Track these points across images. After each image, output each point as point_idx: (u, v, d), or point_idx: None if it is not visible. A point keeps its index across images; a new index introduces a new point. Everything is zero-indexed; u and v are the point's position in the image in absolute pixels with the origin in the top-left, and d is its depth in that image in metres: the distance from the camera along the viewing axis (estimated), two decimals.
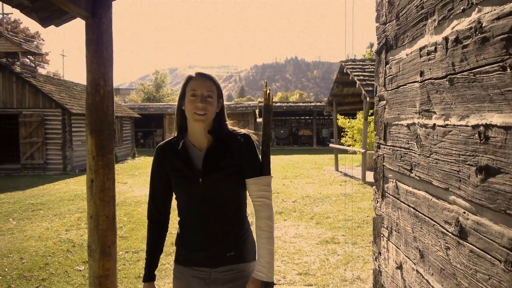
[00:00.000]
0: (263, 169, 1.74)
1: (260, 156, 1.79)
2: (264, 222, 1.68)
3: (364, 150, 12.01)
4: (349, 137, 16.14)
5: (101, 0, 2.16)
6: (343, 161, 16.42)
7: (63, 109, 15.32)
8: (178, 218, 1.83)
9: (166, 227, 1.88)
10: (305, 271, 4.54)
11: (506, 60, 1.07)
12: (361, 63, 13.26)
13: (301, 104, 31.26)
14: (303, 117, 32.32)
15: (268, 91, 1.78)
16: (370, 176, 11.85)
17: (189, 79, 1.73)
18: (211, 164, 1.69)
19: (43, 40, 42.69)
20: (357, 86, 11.87)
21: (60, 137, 15.51)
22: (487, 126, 1.17)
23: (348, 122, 15.66)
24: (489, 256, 1.16)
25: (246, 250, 1.77)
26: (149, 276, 1.80)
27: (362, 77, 11.87)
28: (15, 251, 5.45)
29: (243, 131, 1.78)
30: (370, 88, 11.04)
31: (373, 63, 13.03)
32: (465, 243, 1.30)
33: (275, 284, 1.77)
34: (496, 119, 1.13)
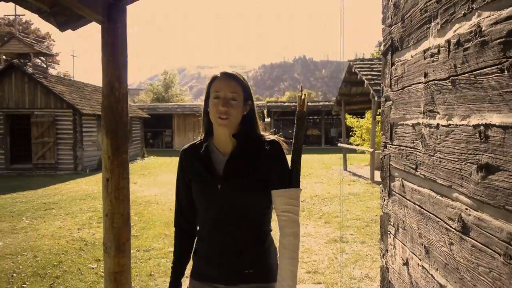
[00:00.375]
0: (292, 181, 1.61)
1: (289, 166, 1.66)
2: (288, 240, 1.55)
3: (372, 150, 12.00)
4: (358, 137, 16.13)
5: (116, 5, 2.23)
6: (352, 160, 16.41)
7: (74, 109, 15.53)
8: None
9: (194, 235, 1.75)
10: (314, 269, 4.60)
11: (504, 62, 1.13)
12: (369, 62, 13.26)
13: (309, 103, 31.23)
14: (311, 117, 32.30)
15: (303, 96, 1.65)
16: (378, 176, 11.84)
17: (213, 79, 1.61)
18: (233, 170, 1.57)
19: (54, 41, 43.20)
20: (365, 85, 11.88)
21: (71, 137, 15.73)
22: (487, 126, 1.22)
23: (357, 122, 15.65)
24: (490, 250, 1.22)
25: (267, 269, 1.63)
26: (175, 284, 1.71)
27: (370, 77, 11.88)
28: (29, 249, 5.58)
29: (272, 137, 1.65)
30: (378, 88, 11.04)
31: (381, 62, 13.01)
32: (467, 238, 1.35)
33: None
34: (495, 119, 1.19)
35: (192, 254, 1.73)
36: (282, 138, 1.67)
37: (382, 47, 2.38)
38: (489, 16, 1.21)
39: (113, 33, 2.25)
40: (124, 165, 2.35)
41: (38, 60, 18.71)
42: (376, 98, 11.02)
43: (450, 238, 1.48)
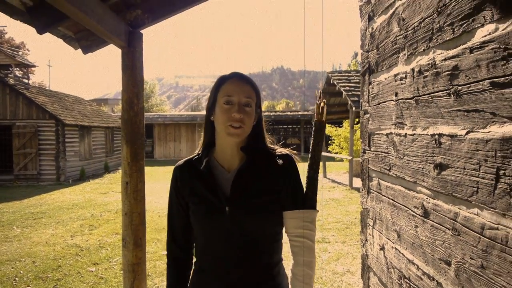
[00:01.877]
0: (307, 201, 1.43)
1: (304, 185, 1.47)
2: (301, 270, 1.38)
3: (350, 157, 12.54)
4: (336, 145, 16.71)
5: (135, 33, 2.60)
6: (331, 168, 16.96)
7: (57, 120, 15.58)
8: (194, 259, 1.50)
9: (190, 264, 1.52)
10: None
11: (450, 89, 1.56)
12: (346, 74, 13.87)
13: (288, 113, 31.92)
14: (290, 126, 32.94)
15: (322, 104, 1.48)
16: (356, 182, 12.39)
17: (223, 81, 1.37)
18: (242, 190, 1.34)
19: (29, 50, 42.67)
20: (343, 96, 12.44)
21: (54, 148, 15.75)
22: (440, 135, 1.65)
23: (335, 131, 16.23)
24: (443, 227, 1.63)
25: None
26: None
27: (348, 88, 12.45)
28: (26, 256, 5.77)
29: (284, 151, 1.47)
30: (356, 99, 11.61)
31: (358, 74, 13.61)
32: (427, 220, 1.77)
33: None
34: (445, 129, 1.61)
35: None
36: (294, 152, 1.50)
37: (361, 69, 2.82)
38: (441, 53, 1.64)
39: (132, 57, 2.60)
40: (141, 170, 2.70)
41: (17, 71, 18.65)
42: (354, 108, 11.57)
43: (415, 223, 1.90)
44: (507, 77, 1.21)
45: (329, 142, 17.28)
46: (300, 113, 31.08)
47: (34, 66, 17.08)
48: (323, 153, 15.40)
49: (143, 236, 2.73)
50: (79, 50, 2.81)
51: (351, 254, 5.35)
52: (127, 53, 2.61)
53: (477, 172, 1.38)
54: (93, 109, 21.35)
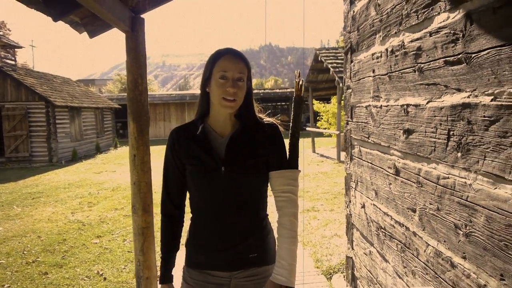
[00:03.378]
0: (291, 163, 1.59)
1: (287, 149, 1.64)
2: (288, 219, 1.50)
3: (338, 132, 12.89)
4: (325, 121, 17.03)
5: (137, 18, 2.83)
6: (319, 143, 17.35)
7: (47, 101, 15.56)
8: (190, 215, 1.62)
9: (182, 222, 1.67)
10: None
11: (415, 66, 1.86)
12: (334, 51, 14.08)
13: (277, 90, 32.09)
14: (279, 103, 33.18)
15: (300, 82, 1.66)
16: (344, 156, 12.79)
17: (218, 56, 1.48)
18: (236, 152, 1.50)
19: (10, 30, 41.51)
20: (330, 72, 12.68)
21: (45, 130, 15.78)
22: (408, 105, 1.96)
23: (323, 107, 16.51)
24: (409, 182, 1.96)
25: (269, 252, 1.59)
26: (167, 277, 1.61)
27: (335, 64, 12.69)
28: (31, 232, 6.04)
29: (270, 119, 1.63)
30: (343, 75, 11.88)
31: None
32: (398, 177, 2.10)
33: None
34: (411, 100, 1.92)
35: (185, 243, 1.64)
36: (279, 121, 1.67)
37: (344, 48, 3.10)
38: (408, 36, 1.94)
39: (135, 40, 2.83)
40: (147, 143, 2.97)
41: (3, 52, 18.44)
42: (341, 85, 11.83)
43: (389, 180, 2.23)
44: (455, 57, 1.52)
45: (318, 118, 17.59)
46: (289, 90, 31.25)
47: (21, 47, 16.92)
48: (312, 129, 15.73)
49: (150, 203, 3.03)
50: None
51: (338, 220, 5.75)
52: (131, 37, 2.84)
53: (435, 134, 1.70)
54: (81, 90, 21.27)
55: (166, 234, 1.64)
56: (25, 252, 5.14)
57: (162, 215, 1.65)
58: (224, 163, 1.48)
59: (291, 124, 1.67)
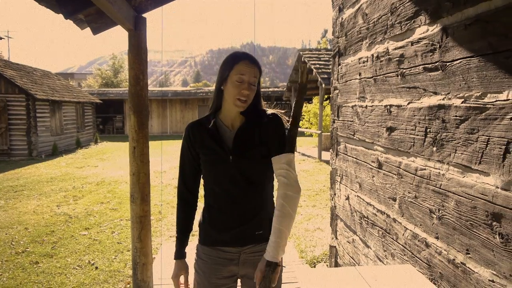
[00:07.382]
0: (286, 147, 1.71)
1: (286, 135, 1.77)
2: (278, 200, 1.65)
3: (320, 132, 13.20)
4: (306, 121, 17.34)
5: (140, 17, 2.99)
6: (301, 142, 17.66)
7: (27, 94, 15.35)
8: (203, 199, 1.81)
9: (196, 205, 1.87)
10: None
11: (398, 71, 2.10)
12: (317, 52, 14.39)
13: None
14: None
15: (303, 69, 1.78)
16: (325, 155, 13.11)
17: (237, 60, 1.65)
18: (242, 143, 1.70)
19: None
20: (313, 73, 12.97)
21: (24, 123, 15.57)
22: (390, 106, 2.20)
23: (305, 107, 16.81)
24: (391, 174, 2.20)
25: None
26: (181, 254, 1.81)
27: (318, 65, 12.99)
28: (17, 224, 6.07)
29: (273, 111, 1.79)
30: (326, 76, 12.18)
31: (328, 52, 14.13)
32: (381, 170, 2.34)
33: (284, 266, 1.72)
34: (394, 101, 2.16)
35: (199, 224, 1.82)
36: (281, 111, 1.82)
37: (332, 52, 3.33)
38: (393, 44, 2.17)
39: (138, 38, 2.99)
40: (146, 136, 3.13)
41: None
42: (323, 85, 12.13)
43: (372, 174, 2.47)
44: (433, 64, 1.76)
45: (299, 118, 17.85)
46: (270, 89, 31.43)
47: (1, 38, 16.60)
48: None
49: (148, 193, 3.19)
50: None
51: (321, 215, 6.02)
52: (133, 36, 3.00)
53: (414, 131, 1.94)
54: (62, 83, 20.99)
55: (181, 216, 1.84)
56: (13, 243, 5.20)
57: (178, 199, 1.86)
58: (232, 153, 1.68)
59: (292, 112, 1.80)
